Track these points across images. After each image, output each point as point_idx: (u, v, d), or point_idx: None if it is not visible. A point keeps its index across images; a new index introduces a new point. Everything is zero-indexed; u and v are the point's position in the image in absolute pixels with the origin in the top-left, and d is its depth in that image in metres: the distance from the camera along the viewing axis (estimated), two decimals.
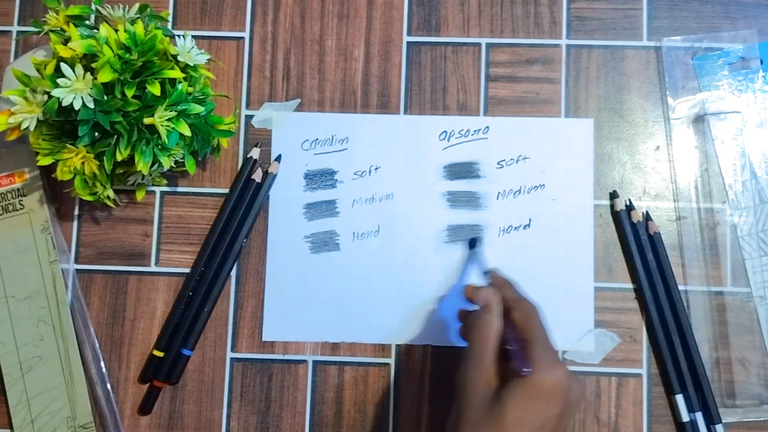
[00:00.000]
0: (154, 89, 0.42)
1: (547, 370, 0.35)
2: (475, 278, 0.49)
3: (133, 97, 0.42)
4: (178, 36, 0.45)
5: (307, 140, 0.52)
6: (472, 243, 0.50)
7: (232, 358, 0.50)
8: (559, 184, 0.51)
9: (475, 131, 0.52)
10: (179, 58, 0.44)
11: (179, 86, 0.43)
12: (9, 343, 0.49)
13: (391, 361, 0.50)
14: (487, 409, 0.35)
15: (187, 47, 0.44)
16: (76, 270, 0.51)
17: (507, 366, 0.37)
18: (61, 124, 0.43)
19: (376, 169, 0.52)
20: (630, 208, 0.50)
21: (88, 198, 0.46)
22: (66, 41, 0.42)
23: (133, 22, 0.44)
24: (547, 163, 0.51)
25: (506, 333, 0.38)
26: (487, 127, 0.52)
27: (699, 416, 0.48)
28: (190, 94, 0.45)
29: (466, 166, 0.52)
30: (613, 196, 0.51)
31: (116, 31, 0.42)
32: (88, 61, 0.41)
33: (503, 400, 0.35)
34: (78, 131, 0.41)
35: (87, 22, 0.46)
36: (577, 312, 0.50)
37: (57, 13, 0.45)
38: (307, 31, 0.53)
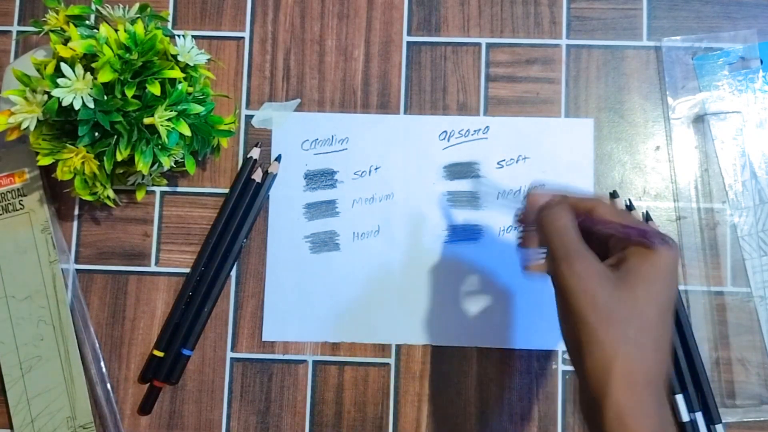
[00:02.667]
0: (154, 89, 0.42)
1: (662, 249, 0.33)
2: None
3: (133, 97, 0.42)
4: (178, 36, 0.45)
5: (307, 140, 0.52)
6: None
7: (232, 358, 0.50)
8: (559, 184, 0.51)
9: (475, 131, 0.52)
10: (179, 58, 0.44)
11: (179, 86, 0.43)
12: (9, 343, 0.49)
13: (391, 361, 0.50)
14: (615, 296, 0.32)
15: (187, 47, 0.44)
16: (76, 270, 0.51)
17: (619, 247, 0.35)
18: (61, 124, 0.43)
19: (376, 169, 0.52)
20: (630, 208, 0.50)
21: (88, 198, 0.46)
22: (66, 41, 0.42)
23: (133, 22, 0.44)
24: (547, 163, 0.51)
25: (599, 228, 0.35)
26: (487, 127, 0.52)
27: (699, 416, 0.48)
28: (190, 94, 0.45)
29: (466, 166, 0.52)
30: (613, 196, 0.51)
31: (116, 31, 0.42)
32: (88, 61, 0.41)
33: (629, 284, 0.33)
34: (78, 131, 0.41)
35: (87, 22, 0.46)
36: None
37: (57, 13, 0.45)
38: (307, 31, 0.53)
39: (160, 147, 0.44)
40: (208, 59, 0.47)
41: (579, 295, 0.33)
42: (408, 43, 0.53)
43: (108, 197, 0.47)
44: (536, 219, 0.37)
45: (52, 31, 0.44)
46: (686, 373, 0.48)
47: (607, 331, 0.32)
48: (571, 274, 0.34)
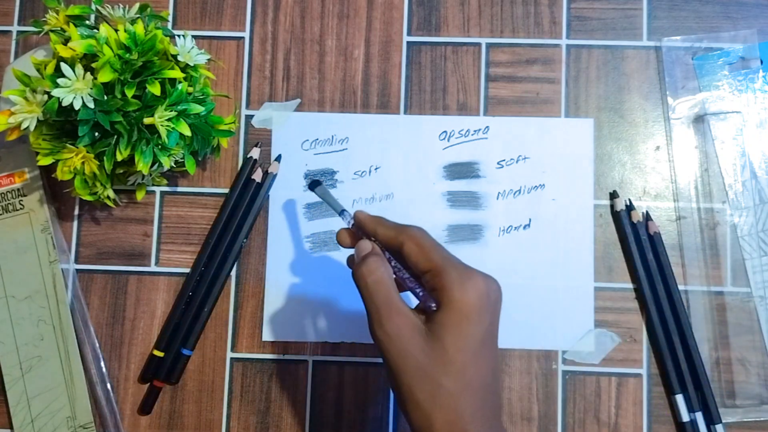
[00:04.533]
0: (154, 89, 0.42)
1: (465, 288, 0.33)
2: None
3: (133, 97, 0.42)
4: (178, 36, 0.45)
5: (307, 140, 0.52)
6: (312, 185, 0.43)
7: (232, 358, 0.50)
8: (559, 184, 0.51)
9: (475, 131, 0.52)
10: (179, 58, 0.44)
11: (179, 86, 0.43)
12: (9, 343, 0.49)
13: None
14: (426, 351, 0.33)
15: (187, 47, 0.44)
16: (76, 270, 0.51)
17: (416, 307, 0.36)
18: (61, 124, 0.43)
19: (376, 169, 0.52)
20: (630, 208, 0.50)
21: (88, 198, 0.46)
22: (66, 41, 0.42)
23: (133, 22, 0.44)
24: (547, 163, 0.51)
25: (398, 275, 0.36)
26: (487, 127, 0.52)
27: (699, 416, 0.48)
28: (190, 94, 0.45)
29: (466, 166, 0.52)
30: (613, 196, 0.51)
31: (116, 31, 0.42)
32: (88, 61, 0.41)
33: (437, 335, 0.33)
34: (78, 131, 0.41)
35: (87, 22, 0.46)
36: (577, 312, 0.50)
37: (57, 13, 0.45)
38: (307, 31, 0.53)
39: (160, 147, 0.44)
40: (208, 59, 0.47)
41: (392, 355, 0.34)
42: (408, 43, 0.53)
43: (108, 197, 0.47)
44: (353, 274, 0.37)
45: (52, 31, 0.44)
46: (686, 373, 0.48)
47: (423, 389, 0.33)
48: (383, 335, 0.34)
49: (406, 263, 0.37)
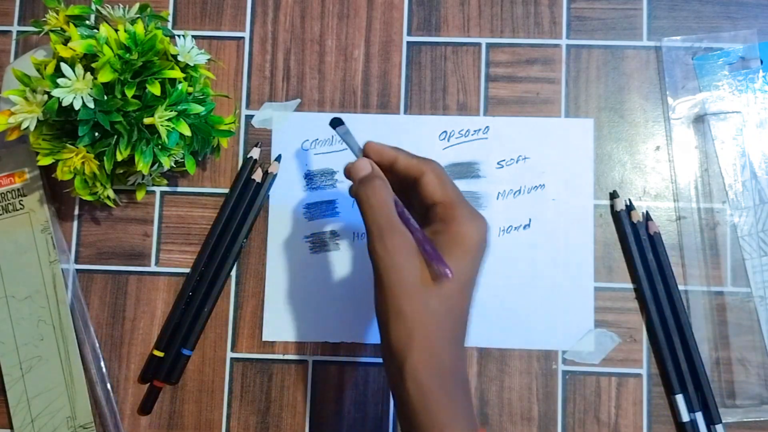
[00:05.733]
0: (154, 89, 0.42)
1: (473, 225, 0.36)
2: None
3: (133, 97, 0.42)
4: (178, 36, 0.45)
5: (307, 140, 0.52)
6: (333, 122, 0.44)
7: (232, 358, 0.50)
8: (559, 184, 0.51)
9: (475, 131, 0.52)
10: (179, 58, 0.44)
11: (179, 86, 0.43)
12: (9, 343, 0.49)
13: None
14: (421, 270, 0.35)
15: (187, 47, 0.44)
16: (76, 270, 0.51)
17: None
18: (61, 124, 0.43)
19: None
20: (630, 208, 0.50)
21: (88, 198, 0.46)
22: (66, 41, 0.42)
23: (133, 22, 0.44)
24: (547, 163, 0.51)
25: (415, 234, 0.37)
26: (487, 127, 0.52)
27: (699, 416, 0.48)
28: (190, 94, 0.45)
29: (466, 166, 0.52)
30: (613, 196, 0.51)
31: (116, 31, 0.42)
32: (88, 61, 0.41)
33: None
34: (78, 131, 0.41)
35: (87, 22, 0.46)
36: (577, 312, 0.50)
37: (57, 13, 0.45)
38: (307, 31, 0.53)
39: (160, 147, 0.44)
40: (208, 59, 0.47)
41: (388, 269, 0.35)
42: (408, 43, 0.53)
43: (108, 197, 0.47)
44: (354, 192, 0.39)
45: (52, 31, 0.44)
46: (686, 373, 0.48)
47: (411, 304, 0.35)
48: (382, 249, 0.36)
49: (415, 193, 0.39)
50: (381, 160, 0.40)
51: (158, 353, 0.49)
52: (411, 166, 0.39)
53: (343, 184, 0.52)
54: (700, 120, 0.51)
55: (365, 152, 0.41)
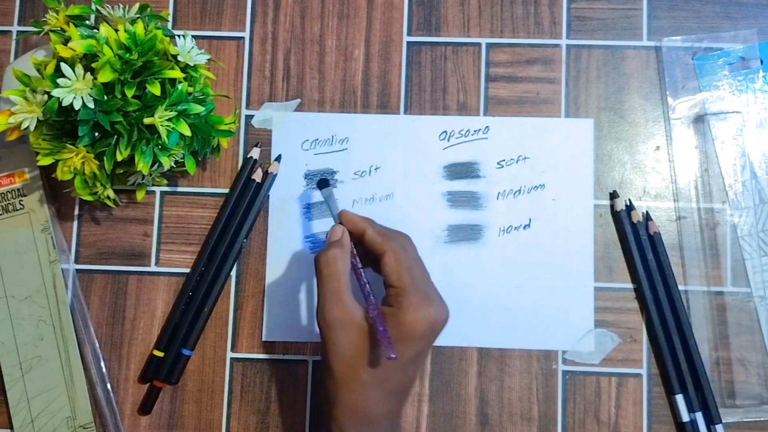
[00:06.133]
0: (154, 89, 0.42)
1: (417, 316, 0.36)
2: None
3: (133, 97, 0.42)
4: (178, 36, 0.45)
5: (307, 140, 0.52)
6: (321, 184, 0.46)
7: (232, 358, 0.50)
8: (559, 184, 0.51)
9: (475, 131, 0.52)
10: (179, 58, 0.44)
11: (179, 86, 0.43)
12: (9, 343, 0.49)
13: None
14: (356, 345, 0.37)
15: (187, 47, 0.44)
16: (76, 270, 0.51)
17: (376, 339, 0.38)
18: (61, 124, 0.43)
19: (376, 169, 0.52)
20: (630, 208, 0.50)
21: (88, 198, 0.46)
22: (66, 41, 0.42)
23: (133, 22, 0.44)
24: (547, 163, 0.51)
25: (370, 310, 0.38)
26: (487, 127, 0.52)
27: (699, 416, 0.48)
28: (190, 94, 0.45)
29: (466, 166, 0.52)
30: (613, 196, 0.51)
31: (116, 31, 0.42)
32: (88, 61, 0.41)
33: (373, 337, 0.37)
34: (78, 131, 0.41)
35: (87, 22, 0.46)
36: (577, 312, 0.50)
37: (57, 13, 0.45)
38: (307, 31, 0.53)
39: (160, 147, 0.44)
40: (208, 59, 0.47)
41: (324, 337, 0.38)
42: (408, 43, 0.53)
43: (108, 197, 0.47)
44: (314, 257, 0.40)
45: (52, 31, 0.44)
46: (686, 373, 0.48)
47: (340, 369, 0.37)
48: (322, 319, 0.38)
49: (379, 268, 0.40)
50: (352, 229, 0.42)
51: (158, 353, 0.49)
52: (375, 243, 0.40)
53: (343, 184, 0.52)
54: (700, 120, 0.51)
55: (340, 219, 0.43)
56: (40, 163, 0.43)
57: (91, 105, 0.41)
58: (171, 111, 0.43)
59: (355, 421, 0.37)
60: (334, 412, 0.38)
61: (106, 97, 0.41)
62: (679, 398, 0.48)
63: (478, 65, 0.53)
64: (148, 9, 0.46)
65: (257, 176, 0.51)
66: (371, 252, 0.40)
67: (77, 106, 0.40)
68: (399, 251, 0.39)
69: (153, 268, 0.51)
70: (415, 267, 0.39)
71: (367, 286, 0.39)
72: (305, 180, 0.52)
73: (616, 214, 0.50)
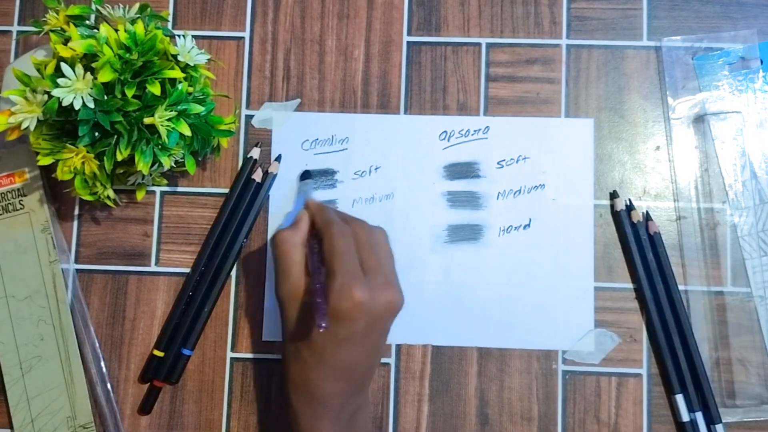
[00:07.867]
0: (154, 89, 0.42)
1: (341, 297, 0.37)
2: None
3: (133, 97, 0.42)
4: (178, 36, 0.45)
5: (307, 140, 0.52)
6: (303, 175, 0.50)
7: (232, 358, 0.50)
8: (559, 184, 0.51)
9: (475, 131, 0.52)
10: (179, 58, 0.44)
11: (179, 86, 0.43)
12: (9, 343, 0.49)
13: (391, 361, 0.50)
14: (301, 321, 0.39)
15: (187, 47, 0.44)
16: (76, 270, 0.51)
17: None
18: (61, 124, 0.43)
19: (376, 169, 0.52)
20: (630, 208, 0.50)
21: (88, 198, 0.46)
22: (66, 41, 0.42)
23: (133, 22, 0.44)
24: (547, 163, 0.51)
25: (314, 283, 0.38)
26: (487, 127, 0.52)
27: (699, 416, 0.48)
28: (190, 94, 0.45)
29: (466, 166, 0.52)
30: (613, 196, 0.51)
31: (116, 31, 0.42)
32: (88, 61, 0.41)
33: (312, 317, 0.38)
34: (78, 131, 0.41)
35: (87, 22, 0.46)
36: (577, 312, 0.50)
37: (57, 13, 0.45)
38: (307, 31, 0.53)
39: (160, 147, 0.44)
40: (208, 59, 0.47)
41: (280, 310, 0.41)
42: (408, 43, 0.53)
43: (108, 197, 0.47)
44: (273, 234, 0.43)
45: (52, 31, 0.44)
46: (686, 373, 0.48)
47: (293, 348, 0.40)
48: (277, 293, 0.41)
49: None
50: (311, 216, 0.44)
51: (158, 353, 0.49)
52: (319, 229, 0.42)
53: (343, 184, 0.52)
54: (700, 120, 0.51)
55: (305, 205, 0.45)
56: (40, 163, 0.43)
57: (91, 105, 0.41)
58: (171, 111, 0.43)
59: (303, 398, 0.40)
60: (286, 387, 0.41)
61: (106, 97, 0.41)
62: (679, 398, 0.48)
63: (478, 65, 0.53)
64: (148, 9, 0.46)
65: (257, 176, 0.51)
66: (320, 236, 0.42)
67: (77, 106, 0.40)
68: (335, 236, 0.40)
69: (153, 268, 0.51)
70: (351, 252, 0.40)
71: (317, 264, 0.40)
72: (299, 177, 0.52)
73: (616, 214, 0.50)
